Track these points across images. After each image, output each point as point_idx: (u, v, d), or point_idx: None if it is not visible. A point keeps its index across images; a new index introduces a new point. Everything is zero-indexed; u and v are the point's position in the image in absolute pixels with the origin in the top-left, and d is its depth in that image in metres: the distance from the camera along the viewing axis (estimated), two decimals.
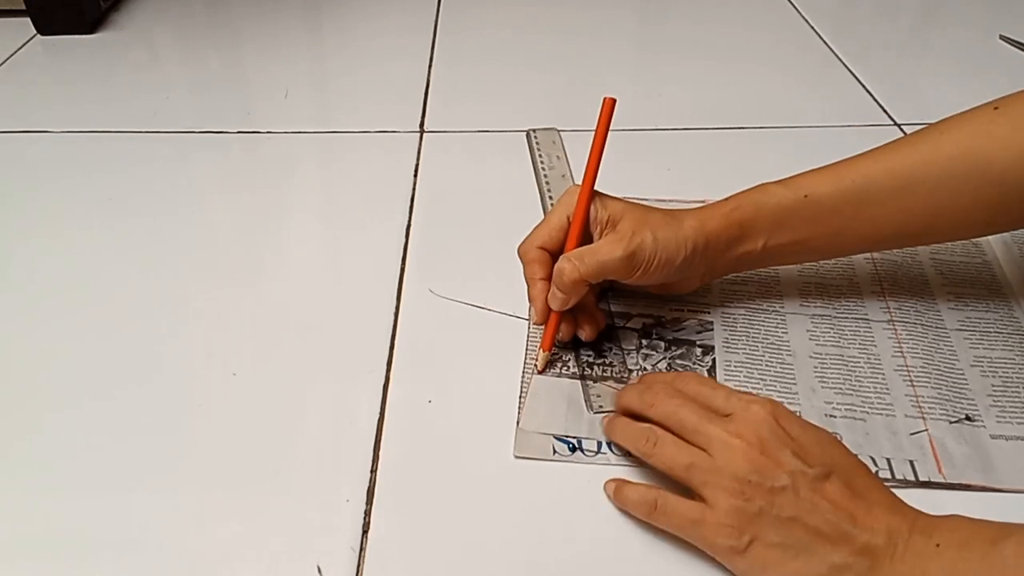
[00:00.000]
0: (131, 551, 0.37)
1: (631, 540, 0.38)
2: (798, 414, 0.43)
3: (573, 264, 0.43)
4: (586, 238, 0.45)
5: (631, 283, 0.46)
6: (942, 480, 0.40)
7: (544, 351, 0.46)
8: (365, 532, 0.38)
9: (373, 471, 0.41)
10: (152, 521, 0.39)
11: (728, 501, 0.35)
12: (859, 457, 0.38)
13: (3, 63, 0.81)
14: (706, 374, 0.46)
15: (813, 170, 0.46)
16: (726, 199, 0.47)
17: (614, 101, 0.46)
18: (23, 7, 0.85)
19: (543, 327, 0.46)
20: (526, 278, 0.47)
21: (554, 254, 0.46)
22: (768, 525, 0.35)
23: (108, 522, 0.38)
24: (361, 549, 0.37)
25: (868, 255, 0.54)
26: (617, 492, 0.39)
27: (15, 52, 0.83)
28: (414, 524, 0.38)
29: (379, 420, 0.43)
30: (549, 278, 0.45)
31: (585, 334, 0.47)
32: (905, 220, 0.45)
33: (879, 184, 0.44)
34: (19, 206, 0.61)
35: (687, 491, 0.37)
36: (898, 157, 0.45)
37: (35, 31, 0.86)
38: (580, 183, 0.45)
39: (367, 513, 0.39)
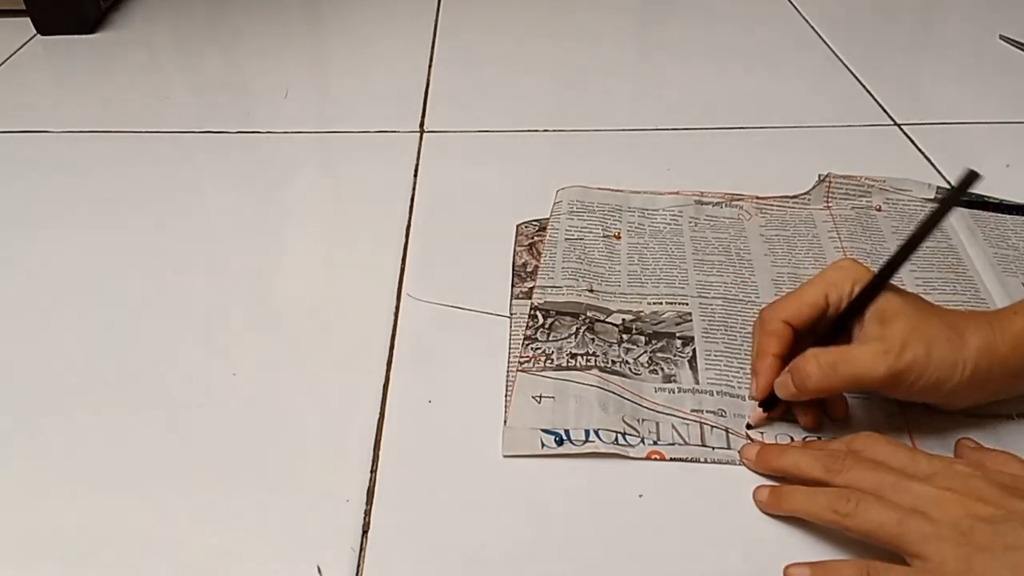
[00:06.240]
0: (131, 551, 0.37)
1: (629, 530, 0.38)
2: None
3: (823, 372, 0.39)
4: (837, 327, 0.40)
5: (885, 395, 0.41)
6: None
7: (761, 415, 0.42)
8: (365, 532, 0.38)
9: (373, 471, 0.41)
10: (152, 521, 0.38)
11: (953, 552, 0.32)
12: None
13: (3, 63, 0.81)
14: (687, 365, 0.46)
15: None
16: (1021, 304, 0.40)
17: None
18: (23, 7, 0.85)
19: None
20: (756, 346, 0.43)
21: (797, 331, 0.41)
22: (995, 565, 0.32)
23: (108, 522, 0.38)
24: (361, 549, 0.37)
25: (837, 244, 0.54)
26: (827, 572, 0.35)
27: (15, 52, 0.83)
28: (414, 524, 0.38)
29: (379, 420, 0.43)
30: (782, 356, 0.41)
31: (818, 417, 0.42)
32: None
33: None
34: (19, 206, 0.61)
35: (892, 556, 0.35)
36: None
37: (35, 31, 0.86)
38: (854, 258, 0.40)
39: (367, 513, 0.39)
